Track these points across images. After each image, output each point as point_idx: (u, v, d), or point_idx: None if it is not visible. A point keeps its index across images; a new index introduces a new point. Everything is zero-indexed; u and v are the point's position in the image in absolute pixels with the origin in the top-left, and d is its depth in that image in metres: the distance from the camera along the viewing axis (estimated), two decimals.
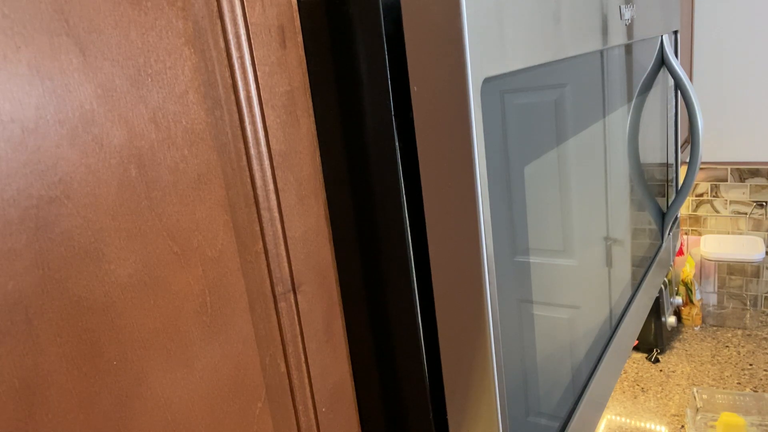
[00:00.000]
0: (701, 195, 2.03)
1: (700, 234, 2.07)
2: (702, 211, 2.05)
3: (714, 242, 1.99)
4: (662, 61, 0.85)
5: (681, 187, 0.89)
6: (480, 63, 0.34)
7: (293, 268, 0.35)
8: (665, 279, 1.82)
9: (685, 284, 1.98)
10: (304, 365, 0.36)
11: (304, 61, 0.35)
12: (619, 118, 0.69)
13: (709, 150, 1.96)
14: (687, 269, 1.99)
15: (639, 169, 0.79)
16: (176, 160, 0.28)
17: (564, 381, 0.55)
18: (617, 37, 0.60)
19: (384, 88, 0.34)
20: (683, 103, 0.87)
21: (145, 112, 0.26)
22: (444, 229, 0.36)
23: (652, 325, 1.81)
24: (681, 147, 1.56)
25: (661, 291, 1.80)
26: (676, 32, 0.92)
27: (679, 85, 0.85)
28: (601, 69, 0.61)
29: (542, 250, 0.49)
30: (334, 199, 0.39)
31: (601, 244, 0.65)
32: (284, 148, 0.33)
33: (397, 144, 0.36)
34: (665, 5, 0.81)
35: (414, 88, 0.34)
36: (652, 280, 0.85)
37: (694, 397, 1.48)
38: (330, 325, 0.38)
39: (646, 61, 0.80)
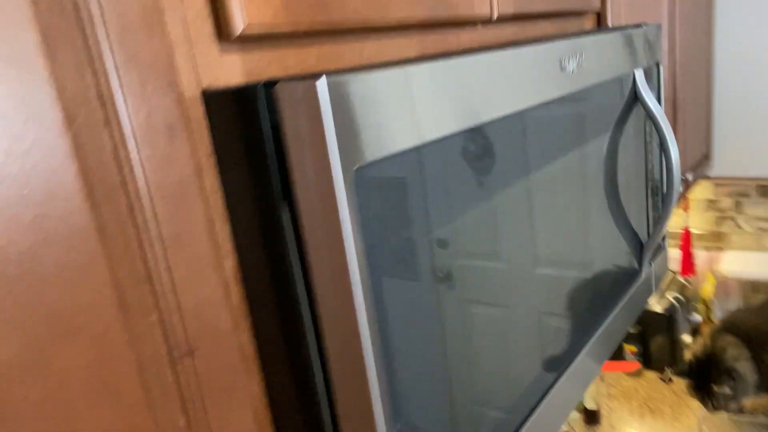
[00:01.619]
0: (723, 211, 1.98)
1: (722, 250, 2.02)
2: (725, 228, 2.00)
3: (737, 259, 1.94)
4: (635, 97, 0.85)
5: (658, 220, 0.89)
6: (351, 154, 0.37)
7: (189, 334, 0.39)
8: (680, 296, 1.79)
9: (705, 302, 1.94)
10: (202, 420, 0.40)
11: (197, 150, 0.39)
12: (591, 154, 0.70)
13: (731, 165, 1.91)
14: (707, 287, 1.95)
15: (617, 204, 0.80)
16: (59, 254, 0.32)
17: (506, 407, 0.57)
18: (559, 89, 0.62)
19: (269, 178, 0.38)
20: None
21: (27, 218, 0.31)
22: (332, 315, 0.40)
23: (666, 343, 1.78)
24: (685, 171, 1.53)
25: (675, 309, 1.77)
26: (657, 64, 0.92)
27: (652, 120, 0.85)
28: (544, 117, 0.63)
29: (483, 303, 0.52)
30: (245, 263, 0.43)
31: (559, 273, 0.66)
32: (176, 231, 0.37)
33: (287, 224, 0.40)
34: (634, 42, 0.82)
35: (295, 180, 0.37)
36: (623, 312, 0.86)
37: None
38: (233, 382, 0.42)
39: (618, 97, 0.81)
